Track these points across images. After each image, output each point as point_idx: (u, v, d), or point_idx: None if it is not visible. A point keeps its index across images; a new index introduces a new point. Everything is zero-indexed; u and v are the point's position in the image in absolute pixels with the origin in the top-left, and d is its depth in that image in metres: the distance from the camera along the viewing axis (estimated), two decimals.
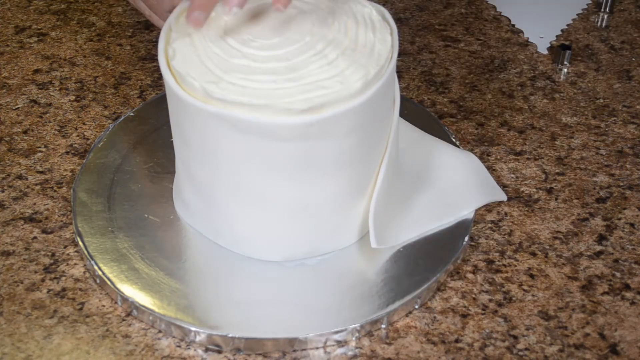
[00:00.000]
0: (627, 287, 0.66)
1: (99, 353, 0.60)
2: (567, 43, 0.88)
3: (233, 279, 0.65)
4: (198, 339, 0.61)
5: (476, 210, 0.70)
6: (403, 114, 0.73)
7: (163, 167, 0.73)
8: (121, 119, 0.78)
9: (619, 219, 0.71)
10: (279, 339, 0.60)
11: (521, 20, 0.94)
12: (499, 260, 0.67)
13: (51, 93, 0.83)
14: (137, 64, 0.86)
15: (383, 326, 0.62)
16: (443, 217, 0.69)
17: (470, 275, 0.66)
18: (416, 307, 0.64)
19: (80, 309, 0.63)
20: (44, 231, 0.69)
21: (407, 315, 0.63)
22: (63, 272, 0.66)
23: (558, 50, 0.87)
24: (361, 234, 0.67)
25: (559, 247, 0.69)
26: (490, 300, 0.64)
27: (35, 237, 0.69)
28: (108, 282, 0.64)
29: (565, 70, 0.87)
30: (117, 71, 0.85)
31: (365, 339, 0.62)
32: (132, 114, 0.78)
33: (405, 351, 0.61)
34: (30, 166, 0.75)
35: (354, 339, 0.62)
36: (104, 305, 0.64)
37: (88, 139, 0.78)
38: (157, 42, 0.63)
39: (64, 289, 0.65)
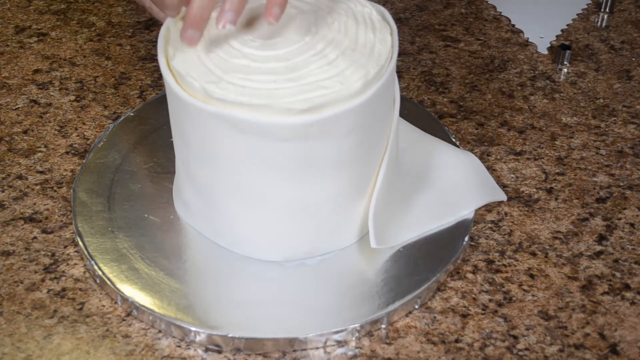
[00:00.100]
0: (627, 287, 0.66)
1: (99, 353, 0.60)
2: (567, 43, 0.88)
3: (233, 279, 0.65)
4: (198, 339, 0.61)
5: (476, 210, 0.70)
6: (403, 114, 0.73)
7: (163, 167, 0.73)
8: (121, 119, 0.78)
9: (619, 219, 0.71)
10: (279, 339, 0.60)
11: (521, 20, 0.94)
12: (499, 260, 0.67)
13: (51, 93, 0.83)
14: (137, 64, 0.86)
15: (383, 326, 0.62)
16: (443, 217, 0.69)
17: (470, 275, 0.66)
18: (416, 307, 0.64)
19: (80, 309, 0.63)
20: (44, 231, 0.69)
21: (407, 315, 0.63)
22: (63, 272, 0.66)
23: (558, 50, 0.88)
24: (361, 234, 0.67)
25: (559, 247, 0.69)
26: (490, 300, 0.64)
27: (35, 237, 0.69)
28: (108, 282, 0.64)
29: (565, 70, 0.87)
30: (117, 71, 0.85)
31: (365, 339, 0.62)
32: (132, 114, 0.78)
33: (405, 351, 0.61)
34: (30, 166, 0.75)
35: (354, 339, 0.62)
36: (104, 305, 0.64)
37: (88, 139, 0.78)
38: (157, 42, 0.63)
39: (64, 289, 0.65)
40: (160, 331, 0.62)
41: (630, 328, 0.63)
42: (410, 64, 0.87)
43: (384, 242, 0.65)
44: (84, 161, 0.74)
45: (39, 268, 0.66)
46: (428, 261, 0.65)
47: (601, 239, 0.70)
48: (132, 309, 0.63)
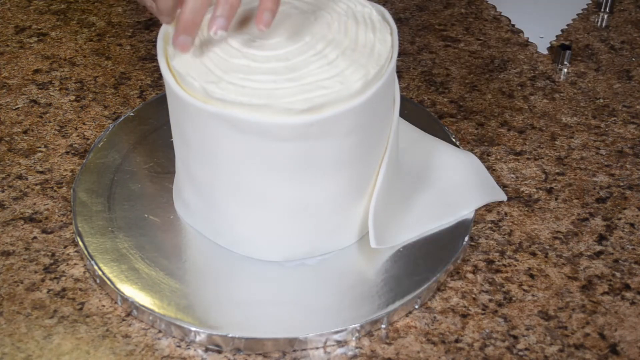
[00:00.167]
0: (627, 287, 0.66)
1: (99, 353, 0.60)
2: (567, 43, 0.88)
3: (233, 279, 0.65)
4: (198, 339, 0.61)
5: (476, 210, 0.70)
6: (403, 114, 0.73)
7: (163, 167, 0.73)
8: (121, 119, 0.78)
9: (619, 219, 0.71)
10: (279, 339, 0.60)
11: (521, 20, 0.94)
12: (499, 260, 0.67)
13: (51, 93, 0.83)
14: (137, 64, 0.86)
15: (383, 326, 0.62)
16: (443, 217, 0.69)
17: (470, 275, 0.66)
18: (416, 307, 0.64)
19: (80, 309, 0.63)
20: (44, 231, 0.69)
21: (407, 315, 0.63)
22: (63, 272, 0.66)
23: (558, 50, 0.88)
24: (361, 234, 0.67)
25: (559, 247, 0.69)
26: (490, 300, 0.64)
27: (35, 237, 0.69)
28: (108, 282, 0.64)
29: (565, 70, 0.87)
30: (117, 71, 0.85)
31: (365, 339, 0.62)
32: (132, 114, 0.78)
33: (405, 351, 0.61)
34: (30, 166, 0.75)
35: (354, 339, 0.62)
36: (104, 305, 0.64)
37: (88, 139, 0.78)
38: (157, 42, 0.63)
39: (64, 289, 0.65)
40: (160, 331, 0.62)
41: (630, 328, 0.63)
42: (410, 64, 0.87)
43: (384, 242, 0.65)
44: (84, 161, 0.74)
45: (39, 268, 0.66)
46: (428, 261, 0.65)
47: (601, 239, 0.70)
48: (132, 309, 0.63)
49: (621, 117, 0.81)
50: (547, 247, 0.68)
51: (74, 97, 0.82)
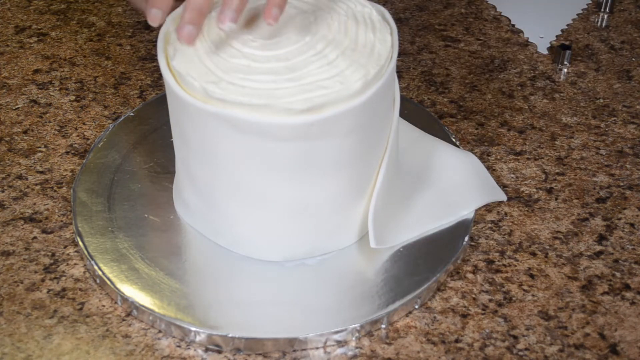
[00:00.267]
0: (627, 287, 0.66)
1: (99, 353, 0.60)
2: (567, 43, 0.88)
3: (233, 279, 0.65)
4: (198, 339, 0.61)
5: (476, 210, 0.70)
6: (403, 114, 0.73)
7: (163, 167, 0.73)
8: (121, 119, 0.78)
9: (619, 219, 0.71)
10: (279, 339, 0.60)
11: (521, 20, 0.94)
12: (499, 260, 0.67)
13: (51, 93, 0.83)
14: (137, 64, 0.86)
15: (383, 326, 0.62)
16: (443, 217, 0.69)
17: (470, 275, 0.66)
18: (416, 307, 0.64)
19: (80, 309, 0.63)
20: (44, 231, 0.69)
21: (407, 315, 0.63)
22: (63, 272, 0.66)
23: (558, 50, 0.88)
24: (361, 234, 0.67)
25: (559, 247, 0.69)
26: (490, 300, 0.64)
27: (35, 237, 0.69)
28: (108, 282, 0.64)
29: (565, 70, 0.87)
30: (117, 71, 0.85)
31: (365, 339, 0.62)
32: (132, 114, 0.78)
33: (405, 351, 0.61)
34: (30, 166, 0.75)
35: (354, 339, 0.62)
36: (104, 305, 0.64)
37: (88, 139, 0.78)
38: (157, 42, 0.63)
39: (64, 289, 0.65)
40: (160, 331, 0.62)
41: (630, 328, 0.63)
42: (410, 64, 0.87)
43: (384, 242, 0.65)
44: (84, 161, 0.74)
45: (39, 268, 0.66)
46: (428, 261, 0.65)
47: (601, 239, 0.70)
48: (132, 309, 0.63)
49: (621, 117, 0.81)
50: (547, 247, 0.68)
51: (74, 97, 0.82)
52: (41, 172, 0.74)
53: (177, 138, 0.65)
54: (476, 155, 0.74)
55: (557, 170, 0.75)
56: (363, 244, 0.66)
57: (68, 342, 0.61)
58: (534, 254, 0.68)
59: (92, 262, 0.65)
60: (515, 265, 0.67)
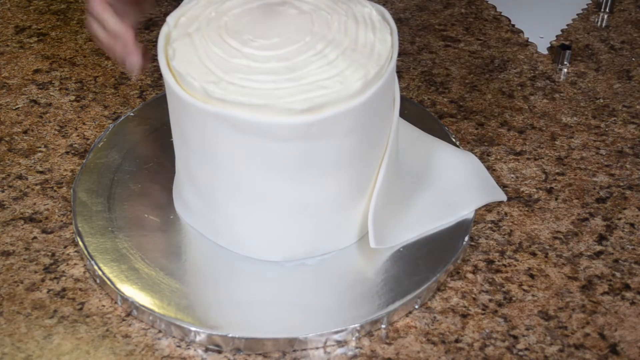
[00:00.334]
0: (627, 287, 0.66)
1: (99, 353, 0.60)
2: (567, 43, 0.88)
3: (233, 279, 0.65)
4: (198, 339, 0.61)
5: (476, 210, 0.70)
6: (403, 114, 0.73)
7: (163, 167, 0.73)
8: (121, 119, 0.78)
9: (619, 219, 0.71)
10: (279, 339, 0.60)
11: (521, 20, 0.93)
12: (499, 260, 0.67)
13: (51, 93, 0.83)
14: None
15: (383, 326, 0.62)
16: (443, 217, 0.69)
17: (470, 275, 0.66)
18: (416, 307, 0.64)
19: (80, 309, 0.63)
20: (44, 231, 0.69)
21: (407, 315, 0.63)
22: (63, 272, 0.66)
23: (558, 50, 0.87)
24: (361, 234, 0.67)
25: (559, 247, 0.69)
26: (490, 300, 0.64)
27: (35, 237, 0.69)
28: (108, 282, 0.64)
29: (565, 70, 0.87)
30: (117, 71, 0.85)
31: (365, 339, 0.62)
32: (132, 114, 0.78)
33: (405, 351, 0.61)
34: (30, 166, 0.75)
35: (354, 339, 0.62)
36: (104, 305, 0.64)
37: (88, 139, 0.78)
38: (157, 42, 0.63)
39: (64, 289, 0.65)
40: (160, 331, 0.62)
41: (630, 328, 0.63)
42: (410, 64, 0.87)
43: (384, 242, 0.65)
44: (84, 161, 0.74)
45: (39, 268, 0.66)
46: (428, 261, 0.65)
47: (601, 239, 0.70)
48: (132, 309, 0.63)
49: (621, 117, 0.81)
50: (547, 247, 0.68)
51: (74, 97, 0.82)
52: (41, 172, 0.74)
53: (177, 138, 0.65)
54: (476, 155, 0.74)
55: (557, 170, 0.75)
56: (363, 244, 0.66)
57: (68, 342, 0.61)
58: (534, 254, 0.68)
59: (92, 262, 0.65)
60: (515, 265, 0.67)
